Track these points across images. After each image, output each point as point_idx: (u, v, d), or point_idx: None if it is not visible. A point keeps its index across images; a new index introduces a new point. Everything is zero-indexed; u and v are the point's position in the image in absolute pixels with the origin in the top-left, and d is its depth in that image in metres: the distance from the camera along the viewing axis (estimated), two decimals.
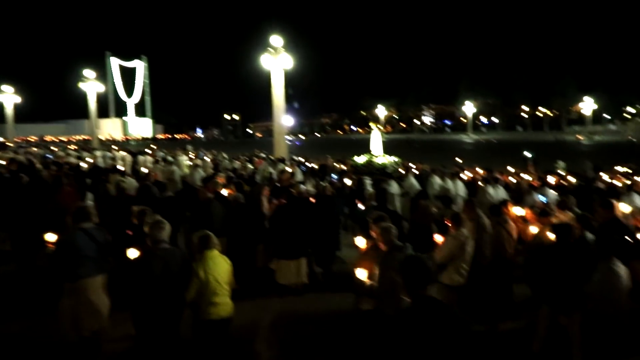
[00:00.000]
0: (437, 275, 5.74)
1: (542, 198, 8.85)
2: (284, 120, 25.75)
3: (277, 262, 7.04)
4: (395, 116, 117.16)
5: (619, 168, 12.58)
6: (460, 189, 10.84)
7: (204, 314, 4.35)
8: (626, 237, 5.68)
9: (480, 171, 13.71)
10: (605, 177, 11.42)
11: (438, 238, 5.97)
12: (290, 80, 25.13)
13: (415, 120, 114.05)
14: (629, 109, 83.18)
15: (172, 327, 4.37)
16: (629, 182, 9.51)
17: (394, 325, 2.56)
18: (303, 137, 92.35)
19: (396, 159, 15.17)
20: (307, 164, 16.40)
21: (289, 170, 12.78)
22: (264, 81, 23.88)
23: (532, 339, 5.17)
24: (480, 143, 61.50)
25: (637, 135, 56.85)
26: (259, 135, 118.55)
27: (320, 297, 6.90)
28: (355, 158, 15.42)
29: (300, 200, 7.79)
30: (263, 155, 20.95)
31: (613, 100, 79.29)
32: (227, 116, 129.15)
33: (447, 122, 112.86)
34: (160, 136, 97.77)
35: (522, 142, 47.81)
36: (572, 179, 11.68)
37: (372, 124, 17.82)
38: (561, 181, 11.53)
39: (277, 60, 22.35)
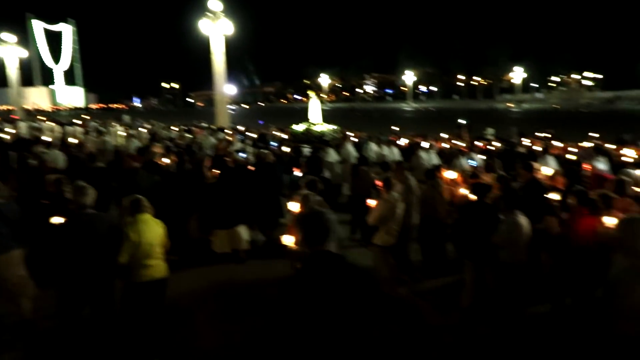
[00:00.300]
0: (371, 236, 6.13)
1: (471, 162, 9.39)
2: (226, 89, 25.12)
3: (214, 231, 7.09)
4: (339, 85, 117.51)
5: (538, 134, 13.55)
6: (396, 155, 11.25)
7: (137, 277, 4.36)
8: (543, 195, 6.26)
9: (418, 138, 14.24)
10: (527, 142, 12.27)
11: (371, 202, 6.24)
12: (232, 47, 24.43)
13: (357, 89, 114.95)
14: (553, 78, 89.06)
15: (104, 293, 4.35)
16: (544, 146, 10.31)
17: (291, 281, 2.60)
18: (247, 106, 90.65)
19: (335, 127, 15.37)
20: (247, 133, 16.21)
21: (229, 139, 12.69)
22: (205, 48, 23.11)
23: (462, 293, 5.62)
24: (420, 111, 63.34)
25: (561, 103, 61.11)
26: (200, 104, 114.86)
27: (263, 264, 7.00)
28: (294, 126, 15.45)
29: (237, 168, 7.78)
30: (204, 124, 20.47)
31: (540, 70, 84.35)
32: (165, 85, 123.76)
33: (389, 90, 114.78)
34: (93, 106, 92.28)
35: (458, 110, 49.91)
36: (499, 144, 12.48)
37: (310, 93, 17.73)
38: (488, 146, 12.28)
39: (216, 26, 21.57)
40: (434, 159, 10.07)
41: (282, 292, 2.54)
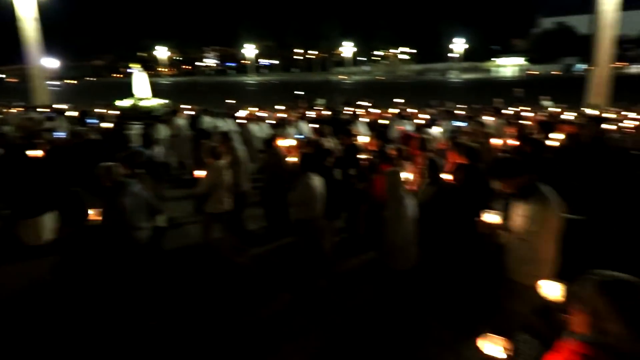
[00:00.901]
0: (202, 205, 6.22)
1: (297, 136, 9.96)
2: (44, 62, 21.90)
3: (20, 222, 6.44)
4: (178, 58, 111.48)
5: (360, 102, 15.05)
6: (231, 127, 11.35)
7: None
8: (358, 157, 7.03)
9: (255, 109, 14.53)
10: (350, 110, 13.53)
11: (198, 173, 6.29)
12: (51, 15, 21.19)
13: (198, 63, 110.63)
14: (377, 52, 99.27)
15: None
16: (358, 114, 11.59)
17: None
18: (75, 82, 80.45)
19: (165, 101, 14.70)
20: (68, 111, 14.51)
21: (37, 118, 11.29)
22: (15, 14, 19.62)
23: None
24: (262, 84, 64.15)
25: (384, 75, 68.52)
26: (12, 80, 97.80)
27: None
28: (119, 102, 14.31)
29: (50, 150, 7.06)
30: (20, 103, 17.72)
31: (366, 45, 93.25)
32: None
33: (231, 64, 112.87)
34: None
35: (297, 82, 52.02)
36: (328, 113, 13.51)
37: (133, 65, 16.51)
38: (320, 114, 13.23)
39: None
40: (266, 130, 10.47)
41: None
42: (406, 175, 5.15)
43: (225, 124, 11.40)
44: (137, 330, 4.44)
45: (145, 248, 4.59)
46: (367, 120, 11.05)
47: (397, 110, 12.20)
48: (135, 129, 10.68)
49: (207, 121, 11.53)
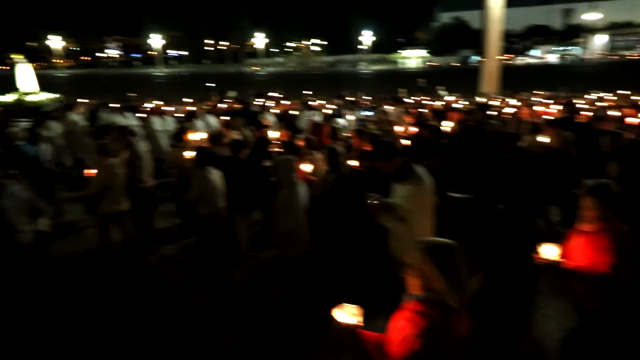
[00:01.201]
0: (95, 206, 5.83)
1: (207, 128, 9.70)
2: None
3: None
4: (75, 48, 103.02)
5: (271, 94, 15.03)
6: (132, 122, 10.76)
7: None
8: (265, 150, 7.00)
9: (159, 103, 13.86)
10: (260, 102, 13.46)
11: (89, 171, 5.88)
12: None
13: (99, 54, 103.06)
14: (289, 44, 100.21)
15: None
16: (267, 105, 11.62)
17: None
18: None
19: (56, 96, 13.48)
20: None
21: None
22: None
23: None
24: (172, 76, 61.60)
25: (297, 66, 69.37)
26: None
27: None
28: (1, 97, 12.85)
29: None
30: None
31: (277, 36, 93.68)
32: None
33: (136, 55, 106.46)
34: None
35: (209, 74, 50.59)
36: (240, 105, 13.30)
37: (14, 56, 14.90)
38: (231, 107, 13.00)
39: None
40: (171, 123, 10.11)
41: None
42: (306, 166, 5.27)
43: (124, 119, 10.77)
44: (31, 339, 4.11)
45: (29, 252, 4.24)
46: (278, 111, 11.08)
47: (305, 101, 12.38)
48: (21, 126, 9.74)
49: (105, 116, 10.81)
